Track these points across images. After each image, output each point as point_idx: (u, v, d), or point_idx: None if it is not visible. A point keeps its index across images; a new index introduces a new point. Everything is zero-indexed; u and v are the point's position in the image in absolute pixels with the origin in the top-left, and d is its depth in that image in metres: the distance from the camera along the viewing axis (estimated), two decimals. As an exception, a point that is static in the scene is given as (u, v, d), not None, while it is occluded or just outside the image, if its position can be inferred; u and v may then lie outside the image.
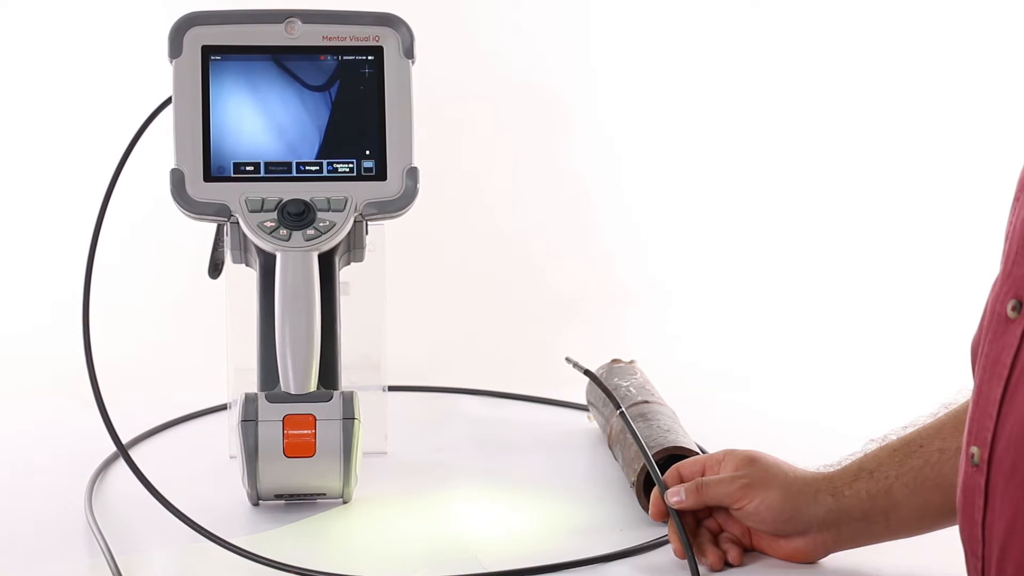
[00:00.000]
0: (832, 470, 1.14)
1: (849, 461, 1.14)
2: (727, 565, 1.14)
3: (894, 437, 1.13)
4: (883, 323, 2.00)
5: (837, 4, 2.12)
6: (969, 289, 1.23)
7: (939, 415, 1.12)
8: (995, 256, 0.91)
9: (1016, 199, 0.90)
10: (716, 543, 1.15)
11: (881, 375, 1.83)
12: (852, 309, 2.03)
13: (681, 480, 1.17)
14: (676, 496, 1.15)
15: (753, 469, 1.13)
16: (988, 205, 1.41)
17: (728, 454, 1.16)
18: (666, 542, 1.19)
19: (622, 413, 1.30)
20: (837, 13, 2.12)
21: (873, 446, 1.14)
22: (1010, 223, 0.90)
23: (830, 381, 1.81)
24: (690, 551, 1.12)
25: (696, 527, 1.17)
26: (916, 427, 1.12)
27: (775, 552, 1.14)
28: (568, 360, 1.43)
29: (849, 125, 2.12)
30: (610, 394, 1.36)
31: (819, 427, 1.56)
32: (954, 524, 1.03)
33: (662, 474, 1.19)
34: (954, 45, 2.09)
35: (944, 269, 2.00)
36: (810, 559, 1.13)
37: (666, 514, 1.16)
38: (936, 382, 1.18)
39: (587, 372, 1.40)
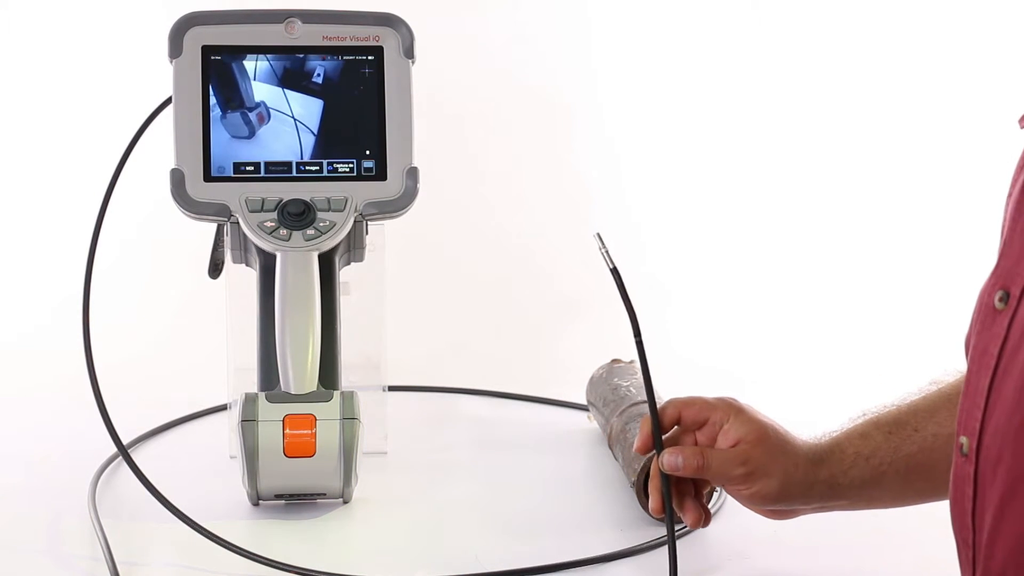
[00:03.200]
0: (825, 441, 1.11)
1: (842, 438, 1.12)
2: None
3: (884, 412, 1.12)
4: (880, 323, 1.99)
5: (837, 5, 2.12)
6: (966, 290, 1.23)
7: (927, 391, 1.11)
8: (989, 256, 0.92)
9: (1009, 194, 0.90)
10: (696, 496, 1.12)
11: (879, 374, 1.82)
12: (850, 309, 2.03)
13: (679, 422, 1.13)
14: (673, 461, 1.09)
15: (758, 453, 1.10)
16: (984, 208, 1.41)
17: (736, 416, 1.12)
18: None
19: (639, 342, 1.16)
20: (837, 13, 2.12)
21: (862, 420, 1.12)
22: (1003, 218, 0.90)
23: (827, 381, 1.81)
24: (670, 515, 1.09)
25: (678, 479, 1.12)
26: (907, 403, 1.11)
27: (750, 508, 1.13)
28: (597, 236, 1.25)
29: (847, 125, 2.12)
30: (630, 307, 1.20)
31: (817, 427, 1.55)
32: (928, 502, 1.08)
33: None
34: (953, 45, 2.09)
35: (942, 269, 2.00)
36: (782, 519, 1.13)
37: (651, 448, 1.11)
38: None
39: (613, 270, 1.23)
